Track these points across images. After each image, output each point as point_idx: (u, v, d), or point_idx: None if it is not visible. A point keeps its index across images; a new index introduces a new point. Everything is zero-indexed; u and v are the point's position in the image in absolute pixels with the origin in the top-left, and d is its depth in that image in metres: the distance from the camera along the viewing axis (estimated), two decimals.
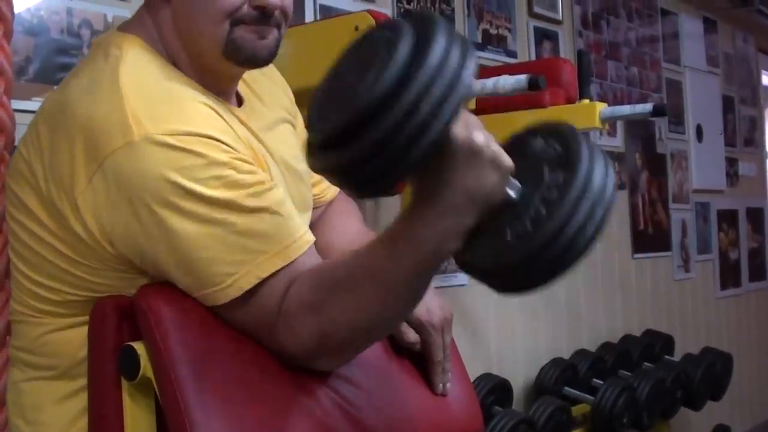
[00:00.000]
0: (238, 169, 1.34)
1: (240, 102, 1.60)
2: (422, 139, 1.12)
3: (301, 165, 1.67)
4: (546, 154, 1.28)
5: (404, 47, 1.14)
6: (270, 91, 1.66)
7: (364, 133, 1.13)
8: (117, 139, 1.31)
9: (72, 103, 1.39)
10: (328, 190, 1.83)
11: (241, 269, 1.33)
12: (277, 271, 1.35)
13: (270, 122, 1.63)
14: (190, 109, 1.38)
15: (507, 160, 1.25)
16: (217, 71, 1.51)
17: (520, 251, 1.22)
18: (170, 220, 1.31)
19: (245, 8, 1.44)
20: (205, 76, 1.50)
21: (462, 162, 1.21)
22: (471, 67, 1.15)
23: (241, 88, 1.61)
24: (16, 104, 1.78)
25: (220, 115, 1.41)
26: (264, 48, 1.49)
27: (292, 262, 1.37)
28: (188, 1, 1.46)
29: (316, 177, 1.78)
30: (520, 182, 1.27)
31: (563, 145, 1.28)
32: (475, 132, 1.21)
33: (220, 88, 1.52)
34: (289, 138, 1.69)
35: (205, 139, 1.33)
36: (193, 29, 1.47)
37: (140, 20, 1.53)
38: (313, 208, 1.74)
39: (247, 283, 1.34)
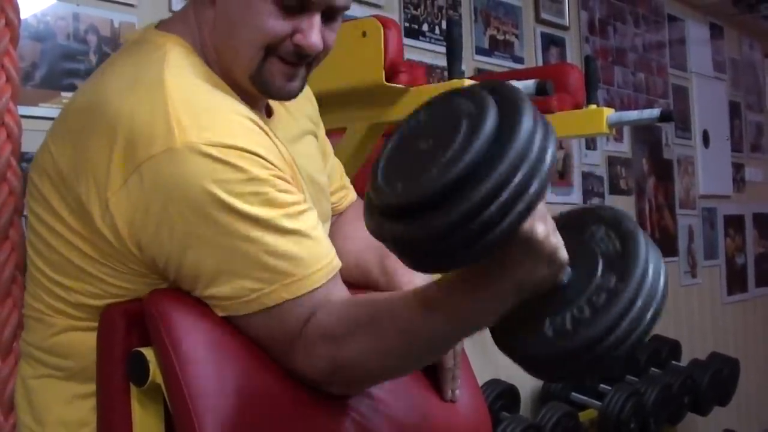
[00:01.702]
0: (276, 187, 1.33)
1: (269, 111, 1.59)
2: (491, 234, 1.07)
3: (323, 177, 1.67)
4: (604, 247, 1.25)
5: (488, 128, 1.09)
6: (296, 100, 1.65)
7: (433, 215, 1.08)
8: (158, 144, 1.29)
9: (112, 100, 1.36)
10: (345, 199, 1.82)
11: (266, 287, 1.32)
12: (302, 296, 1.34)
13: (296, 134, 1.62)
14: (234, 122, 1.36)
15: (563, 256, 1.21)
16: (243, 85, 1.50)
17: (555, 348, 1.20)
18: (203, 231, 1.30)
19: (286, 43, 1.43)
20: (236, 84, 1.48)
21: (519, 253, 1.18)
22: (552, 152, 1.10)
23: None
24: (23, 110, 1.77)
25: (263, 130, 1.40)
26: (290, 91, 1.49)
27: (319, 288, 1.36)
28: (231, 16, 1.44)
29: (335, 185, 1.78)
30: (572, 263, 1.23)
31: (623, 244, 1.24)
32: (538, 224, 1.16)
33: (253, 97, 1.51)
34: (313, 150, 1.68)
35: (247, 154, 1.32)
36: (230, 42, 1.45)
37: (184, 17, 1.51)
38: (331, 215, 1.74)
39: (271, 300, 1.33)
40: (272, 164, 1.35)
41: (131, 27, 2.38)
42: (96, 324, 1.41)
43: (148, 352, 1.35)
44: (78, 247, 1.38)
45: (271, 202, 1.32)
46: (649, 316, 1.19)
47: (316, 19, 1.43)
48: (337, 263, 1.40)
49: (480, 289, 1.22)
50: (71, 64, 2.28)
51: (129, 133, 1.31)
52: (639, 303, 1.18)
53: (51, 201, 1.41)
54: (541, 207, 1.14)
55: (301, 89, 1.51)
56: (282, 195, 1.34)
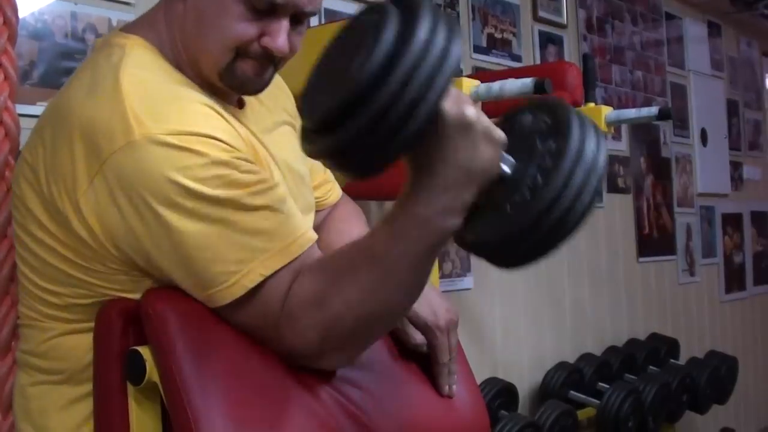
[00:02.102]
0: (239, 168, 1.34)
1: (241, 104, 1.59)
2: (415, 115, 1.13)
3: (302, 167, 1.67)
4: (536, 127, 1.30)
5: (391, 27, 1.15)
6: (271, 93, 1.65)
7: (357, 113, 1.13)
8: (118, 140, 1.31)
9: (73, 104, 1.38)
10: (331, 192, 1.82)
11: (244, 267, 1.33)
12: (280, 269, 1.35)
13: (271, 124, 1.63)
14: (191, 109, 1.37)
15: (499, 133, 1.26)
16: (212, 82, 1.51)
17: (521, 220, 1.22)
18: (172, 220, 1.31)
19: (254, 45, 1.44)
20: (205, 80, 1.49)
21: (455, 137, 1.22)
22: (457, 43, 1.16)
23: None
24: (21, 109, 1.78)
25: (221, 115, 1.41)
26: (259, 84, 1.50)
27: (295, 259, 1.36)
28: (202, 15, 1.44)
29: (318, 179, 1.78)
30: (513, 156, 1.28)
31: (552, 116, 1.29)
32: (466, 106, 1.22)
33: (221, 91, 1.52)
34: (291, 140, 1.68)
35: (206, 139, 1.33)
36: (199, 41, 1.46)
37: (152, 17, 1.52)
38: (316, 211, 1.74)
39: (251, 281, 1.34)
40: (232, 146, 1.36)
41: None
42: (90, 324, 1.42)
43: (145, 351, 1.35)
44: (60, 252, 1.40)
45: (235, 183, 1.33)
46: (600, 159, 1.23)
47: (284, 23, 1.44)
48: (312, 235, 1.42)
49: (431, 187, 1.25)
50: (69, 63, 2.28)
51: (90, 134, 1.33)
52: (588, 148, 1.23)
53: (33, 209, 1.42)
54: (465, 96, 1.23)
55: (268, 84, 1.52)
56: (245, 175, 1.34)
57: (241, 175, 1.34)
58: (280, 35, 1.43)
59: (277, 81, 1.67)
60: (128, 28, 1.52)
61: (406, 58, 1.12)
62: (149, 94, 1.36)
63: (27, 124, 1.76)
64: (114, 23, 2.38)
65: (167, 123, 1.32)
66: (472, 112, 1.23)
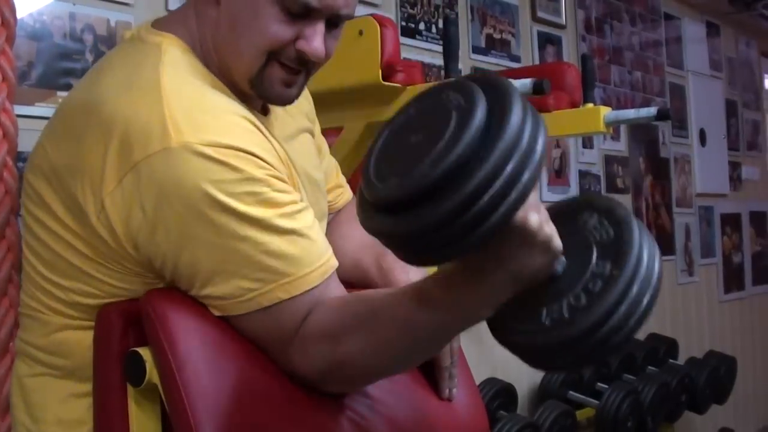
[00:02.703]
0: (273, 187, 1.33)
1: (265, 110, 1.58)
2: (484, 225, 1.08)
3: (319, 174, 1.66)
4: (597, 235, 1.25)
5: (477, 120, 1.10)
6: None
7: (426, 207, 1.09)
8: (154, 144, 1.29)
9: (108, 99, 1.35)
10: (341, 197, 1.82)
11: (263, 287, 1.32)
12: (299, 295, 1.34)
13: (292, 132, 1.62)
14: (230, 122, 1.35)
15: (557, 245, 1.21)
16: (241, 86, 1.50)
17: (554, 338, 1.20)
18: (199, 231, 1.30)
19: (289, 48, 1.43)
20: (234, 84, 1.48)
21: (513, 243, 1.18)
22: (543, 143, 1.10)
23: None
24: (19, 109, 1.77)
25: (259, 129, 1.39)
26: (288, 97, 1.49)
27: (315, 287, 1.36)
28: (236, 16, 1.43)
29: (331, 184, 1.78)
30: (566, 252, 1.23)
31: (616, 231, 1.24)
32: (531, 213, 1.16)
33: (250, 96, 1.50)
34: (309, 148, 1.68)
35: (243, 154, 1.31)
36: (231, 44, 1.44)
37: (183, 16, 1.50)
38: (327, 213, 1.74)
39: (268, 300, 1.33)
40: (268, 164, 1.34)
41: (128, 26, 2.38)
42: (91, 323, 1.41)
43: (145, 352, 1.35)
44: (74, 245, 1.38)
45: (266, 202, 1.32)
46: (645, 300, 1.19)
47: (320, 26, 1.43)
48: (334, 262, 1.40)
49: (475, 282, 1.22)
50: (68, 64, 2.28)
51: (124, 133, 1.31)
52: (635, 288, 1.18)
53: (47, 199, 1.40)
54: (533, 197, 1.14)
55: (298, 96, 1.51)
56: (278, 195, 1.33)
57: (274, 195, 1.33)
58: (315, 38, 1.42)
59: None
60: (160, 26, 1.49)
61: (490, 162, 1.07)
62: (189, 100, 1.34)
63: (25, 125, 1.75)
64: (112, 24, 2.37)
65: (205, 133, 1.30)
66: (536, 219, 1.17)
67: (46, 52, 2.26)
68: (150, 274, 1.37)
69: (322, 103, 1.81)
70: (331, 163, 1.83)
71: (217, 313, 1.36)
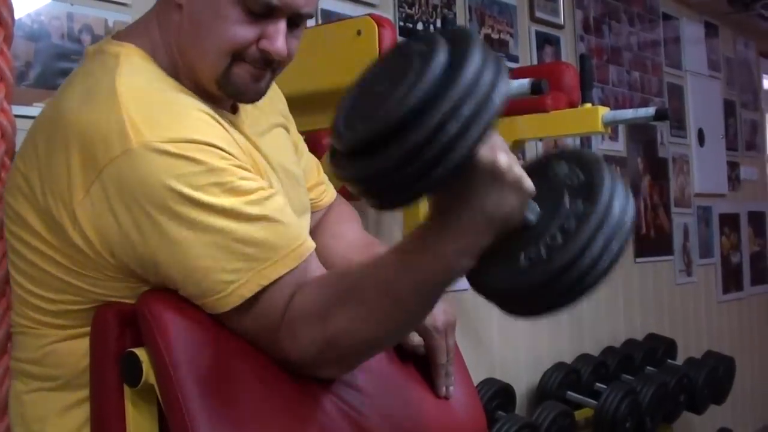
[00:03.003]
0: (236, 176, 1.33)
1: (235, 109, 1.58)
2: (448, 158, 1.10)
3: (297, 169, 1.67)
4: (568, 180, 1.27)
5: (438, 62, 1.12)
6: (265, 96, 1.65)
7: (391, 146, 1.11)
8: (115, 148, 1.30)
9: (67, 112, 1.37)
10: (326, 194, 1.82)
11: (242, 277, 1.33)
12: (279, 279, 1.34)
13: (265, 127, 1.62)
14: (188, 117, 1.36)
15: (529, 185, 1.23)
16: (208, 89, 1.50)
17: (532, 277, 1.21)
18: (169, 228, 1.30)
19: (252, 48, 1.43)
20: (201, 88, 1.48)
21: (483, 183, 1.20)
22: (503, 87, 1.14)
23: None
24: (17, 110, 1.77)
25: (218, 122, 1.40)
26: (256, 92, 1.49)
27: (294, 269, 1.36)
28: (198, 20, 1.44)
29: (312, 181, 1.78)
30: (539, 205, 1.26)
31: (587, 173, 1.26)
32: (499, 153, 1.19)
33: (216, 97, 1.50)
34: (284, 142, 1.68)
35: (204, 146, 1.32)
36: (197, 47, 1.44)
37: (144, 26, 1.51)
38: (312, 212, 1.73)
39: (248, 291, 1.33)
40: (230, 154, 1.35)
41: (125, 26, 2.38)
42: (85, 329, 1.41)
43: (141, 353, 1.35)
44: (56, 260, 1.39)
45: (233, 191, 1.32)
46: (622, 234, 1.21)
47: (282, 25, 1.43)
48: (310, 244, 1.41)
49: (450, 227, 1.23)
50: (65, 64, 2.28)
51: (87, 143, 1.32)
52: (610, 221, 1.20)
53: (26, 218, 1.41)
54: (500, 141, 1.19)
55: (265, 92, 1.51)
56: (244, 182, 1.34)
57: (240, 182, 1.33)
58: (278, 38, 1.43)
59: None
60: (121, 36, 1.51)
61: (449, 98, 1.10)
62: (145, 101, 1.35)
63: (23, 126, 1.75)
64: (110, 24, 2.37)
65: (164, 130, 1.31)
66: (505, 160, 1.20)
67: (44, 52, 2.26)
68: (132, 279, 1.37)
69: (320, 103, 1.82)
70: (311, 161, 1.83)
71: (209, 311, 1.36)
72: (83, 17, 2.33)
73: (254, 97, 1.51)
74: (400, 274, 1.29)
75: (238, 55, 1.43)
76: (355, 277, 1.36)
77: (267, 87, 1.51)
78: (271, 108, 1.67)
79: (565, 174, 1.29)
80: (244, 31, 1.41)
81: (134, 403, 1.38)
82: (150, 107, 1.34)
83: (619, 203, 1.22)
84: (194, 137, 1.32)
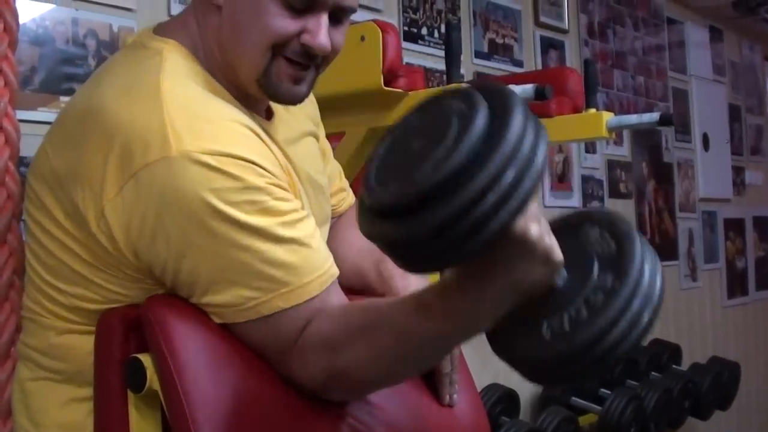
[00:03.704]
0: (273, 195, 1.33)
1: (269, 113, 1.57)
2: (483, 231, 1.07)
3: (323, 178, 1.66)
4: (599, 248, 1.24)
5: (478, 126, 1.09)
6: None
7: (424, 213, 1.07)
8: (154, 152, 1.29)
9: (108, 106, 1.35)
10: (344, 201, 1.82)
11: (263, 296, 1.32)
12: (298, 304, 1.34)
13: (297, 135, 1.61)
14: (230, 129, 1.35)
15: (558, 256, 1.20)
16: (248, 91, 1.49)
17: (554, 350, 1.19)
18: (199, 239, 1.30)
19: (293, 43, 1.42)
20: (239, 90, 1.47)
21: (512, 253, 1.17)
22: (544, 151, 1.09)
23: None
24: (22, 114, 1.78)
25: (259, 136, 1.39)
26: (296, 94, 1.48)
27: (315, 297, 1.35)
28: (238, 18, 1.43)
29: (335, 187, 1.78)
30: (567, 267, 1.22)
31: (618, 244, 1.23)
32: (532, 224, 1.16)
33: (252, 101, 1.50)
34: (313, 151, 1.67)
35: (243, 162, 1.31)
36: (236, 46, 1.44)
37: (184, 22, 1.50)
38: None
39: (267, 309, 1.33)
40: (268, 172, 1.34)
41: (130, 31, 2.38)
42: (92, 328, 1.41)
43: (146, 359, 1.35)
44: (74, 251, 1.38)
45: (267, 211, 1.31)
46: (647, 314, 1.18)
47: (324, 18, 1.42)
48: (335, 271, 1.40)
49: (475, 291, 1.21)
50: (70, 69, 2.28)
51: (125, 141, 1.30)
52: (636, 301, 1.17)
53: (48, 205, 1.40)
54: (533, 207, 1.14)
55: (307, 94, 1.50)
56: (279, 203, 1.33)
57: (275, 203, 1.32)
58: (320, 32, 1.41)
59: None
60: (162, 31, 1.49)
61: (489, 168, 1.05)
62: (189, 107, 1.34)
63: (27, 130, 1.76)
64: (115, 29, 2.38)
65: (205, 141, 1.30)
66: (536, 230, 1.17)
67: (49, 57, 2.26)
68: (149, 280, 1.37)
69: (324, 108, 1.81)
70: (335, 167, 1.83)
71: (217, 320, 1.36)
72: (88, 22, 2.33)
73: (294, 98, 1.49)
74: (416, 326, 1.28)
75: (278, 50, 1.42)
76: (372, 316, 1.35)
77: (308, 91, 1.49)
78: (302, 113, 1.66)
79: (596, 239, 1.25)
80: (284, 24, 1.40)
81: (138, 409, 1.38)
82: (192, 114, 1.33)
83: (649, 277, 1.19)
84: (234, 152, 1.30)
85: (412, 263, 1.17)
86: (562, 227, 1.26)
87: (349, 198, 1.83)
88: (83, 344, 1.42)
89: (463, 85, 2.08)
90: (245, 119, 1.39)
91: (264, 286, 1.32)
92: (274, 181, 1.34)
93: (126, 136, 1.31)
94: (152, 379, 1.34)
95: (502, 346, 1.27)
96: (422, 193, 1.08)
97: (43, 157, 1.44)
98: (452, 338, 1.31)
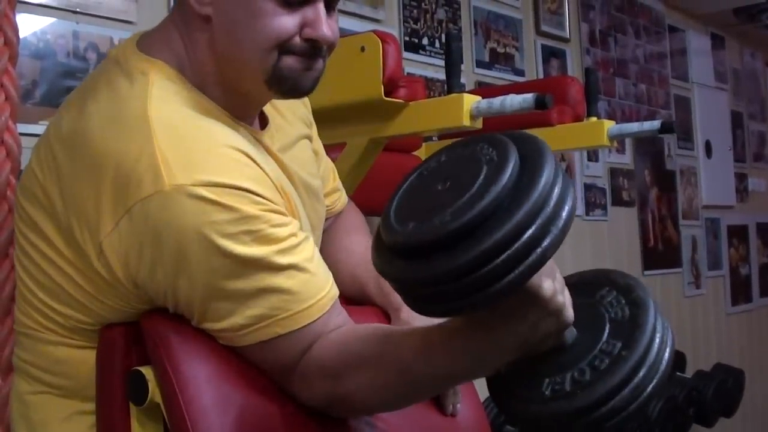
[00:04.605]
0: (270, 222, 1.31)
1: (263, 121, 1.56)
2: (497, 284, 1.07)
3: (317, 181, 1.65)
4: (612, 312, 1.24)
5: (507, 176, 1.08)
6: (290, 103, 1.63)
7: (442, 258, 1.07)
8: (147, 187, 1.27)
9: (95, 134, 1.33)
10: (338, 201, 1.81)
11: (261, 323, 1.32)
12: (297, 330, 1.33)
13: (291, 140, 1.60)
14: (223, 157, 1.32)
15: (569, 315, 1.20)
16: (250, 97, 1.48)
17: (550, 410, 1.18)
18: (197, 274, 1.29)
19: (296, 39, 1.40)
20: (234, 101, 1.46)
21: (523, 307, 1.18)
22: (570, 208, 1.09)
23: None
24: (23, 128, 1.78)
25: (253, 159, 1.36)
26: (309, 80, 1.45)
27: (315, 320, 1.35)
28: (233, 26, 1.40)
29: (328, 187, 1.77)
30: (578, 325, 1.22)
31: (632, 312, 1.22)
32: (545, 280, 1.16)
33: (247, 112, 1.49)
34: (308, 155, 1.66)
35: (238, 191, 1.29)
36: (237, 55, 1.41)
37: (167, 38, 1.46)
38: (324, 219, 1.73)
39: (266, 335, 1.33)
40: (264, 198, 1.32)
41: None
42: (90, 343, 1.41)
43: (148, 371, 1.35)
44: (72, 278, 1.37)
45: (264, 239, 1.30)
46: (650, 387, 1.17)
47: (320, 8, 1.41)
48: (335, 293, 1.39)
49: (481, 338, 1.22)
50: (71, 82, 2.29)
51: (116, 174, 1.29)
52: (642, 372, 1.17)
53: (43, 228, 1.39)
54: (549, 263, 1.13)
55: (318, 79, 1.47)
56: (275, 230, 1.32)
57: (272, 230, 1.31)
58: (320, 23, 1.40)
59: None
60: (146, 47, 1.45)
61: (514, 221, 1.05)
62: (179, 136, 1.31)
63: (29, 144, 1.75)
64: (116, 42, 2.38)
65: (198, 172, 1.28)
66: (550, 287, 1.17)
67: (50, 70, 2.27)
68: (149, 305, 1.36)
69: (325, 119, 1.81)
70: (328, 166, 1.81)
71: (223, 342, 1.36)
72: (88, 35, 2.34)
73: (310, 87, 1.46)
74: (419, 362, 1.28)
75: (283, 49, 1.40)
76: (376, 347, 1.34)
77: (320, 76, 1.47)
78: (294, 117, 1.66)
79: (610, 303, 1.25)
80: (284, 22, 1.38)
81: (140, 422, 1.37)
82: (183, 143, 1.30)
83: (658, 349, 1.19)
84: (228, 182, 1.29)
85: (421, 305, 1.17)
86: (578, 284, 1.26)
87: (343, 198, 1.82)
88: (86, 360, 1.42)
89: (470, 96, 2.09)
90: (238, 142, 1.37)
91: (262, 313, 1.31)
92: (270, 207, 1.33)
93: (117, 169, 1.29)
94: (154, 391, 1.34)
95: (500, 396, 1.26)
96: (440, 238, 1.08)
97: (33, 178, 1.41)
98: (456, 378, 1.32)
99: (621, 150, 4.77)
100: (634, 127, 2.68)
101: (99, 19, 2.38)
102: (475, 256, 1.05)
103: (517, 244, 1.05)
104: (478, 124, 2.20)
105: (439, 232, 1.08)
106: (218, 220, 1.27)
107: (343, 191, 1.84)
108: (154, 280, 1.31)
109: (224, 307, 1.31)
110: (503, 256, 1.05)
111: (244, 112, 1.48)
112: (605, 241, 4.55)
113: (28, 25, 2.21)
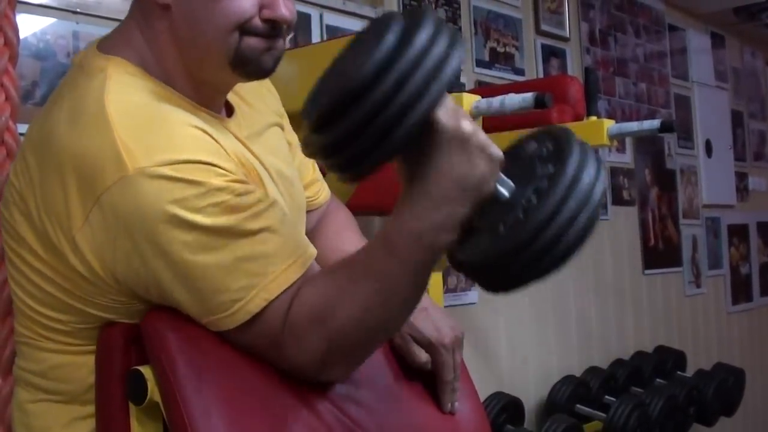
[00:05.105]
0: (235, 192, 1.32)
1: (230, 110, 1.57)
2: (404, 120, 1.14)
3: (291, 169, 1.66)
4: (539, 153, 1.30)
5: (392, 33, 1.17)
6: (259, 94, 1.65)
7: (349, 112, 1.16)
8: (111, 175, 1.28)
9: (57, 135, 1.35)
10: (321, 192, 1.81)
11: (247, 294, 1.32)
12: (282, 292, 1.34)
13: (260, 128, 1.62)
14: (180, 134, 1.34)
15: (496, 150, 1.26)
16: (214, 83, 1.49)
17: (512, 239, 1.21)
18: (172, 253, 1.30)
19: (256, 20, 1.42)
20: (199, 89, 1.47)
21: (450, 149, 1.23)
22: (456, 55, 1.18)
23: (229, 95, 1.59)
24: (24, 129, 1.77)
25: (210, 135, 1.38)
26: (271, 59, 1.47)
27: (297, 280, 1.36)
28: (193, 11, 1.41)
29: (307, 179, 1.77)
30: (513, 182, 1.28)
31: (555, 142, 1.29)
32: (463, 120, 1.23)
33: (213, 99, 1.50)
34: (278, 142, 1.67)
35: (201, 165, 1.30)
36: (199, 40, 1.42)
37: (127, 37, 1.48)
38: (308, 211, 1.74)
39: (255, 306, 1.33)
40: (225, 170, 1.33)
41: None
42: (88, 347, 1.42)
43: (146, 371, 1.35)
44: (57, 282, 1.38)
45: (233, 208, 1.31)
46: (597, 191, 1.23)
47: None
48: (312, 252, 1.41)
49: (425, 200, 1.25)
50: None
51: (79, 167, 1.30)
52: (584, 177, 1.22)
53: (25, 236, 1.40)
54: (462, 110, 1.23)
55: (280, 59, 1.49)
56: (242, 198, 1.33)
57: (238, 199, 1.32)
58: (278, 3, 1.42)
59: (264, 81, 1.66)
60: (106, 48, 1.47)
61: (401, 63, 1.14)
62: (136, 121, 1.33)
63: None
64: None
65: (158, 153, 1.29)
66: (469, 126, 1.24)
67: (51, 71, 2.27)
68: (135, 301, 1.37)
69: None
70: (304, 158, 1.82)
71: (213, 329, 1.36)
72: (89, 36, 2.34)
73: (272, 66, 1.48)
74: (386, 261, 1.30)
75: (244, 30, 1.41)
76: (346, 271, 1.36)
77: (281, 55, 1.49)
78: (265, 107, 1.67)
79: (534, 149, 1.32)
80: (242, 3, 1.40)
81: (140, 421, 1.38)
82: (141, 127, 1.32)
83: (590, 165, 1.24)
84: (189, 157, 1.30)
85: (349, 168, 1.23)
86: (506, 151, 1.31)
87: (324, 189, 1.83)
88: (84, 364, 1.43)
89: (471, 96, 2.09)
90: (194, 120, 1.38)
91: (245, 283, 1.32)
92: (232, 177, 1.34)
93: (80, 163, 1.30)
94: (153, 390, 1.34)
95: (462, 257, 1.29)
96: (342, 97, 1.17)
97: (11, 187, 1.43)
98: (420, 260, 1.30)
99: (621, 149, 4.77)
100: (633, 126, 2.68)
101: (99, 19, 2.38)
102: (381, 96, 1.14)
103: (412, 81, 1.15)
104: (478, 123, 2.20)
105: (338, 93, 1.17)
106: (185, 196, 1.28)
107: (324, 182, 1.84)
108: (133, 271, 1.32)
109: (207, 285, 1.31)
110: (403, 93, 1.15)
111: (210, 100, 1.49)
112: (605, 241, 4.55)
113: (28, 25, 2.22)
